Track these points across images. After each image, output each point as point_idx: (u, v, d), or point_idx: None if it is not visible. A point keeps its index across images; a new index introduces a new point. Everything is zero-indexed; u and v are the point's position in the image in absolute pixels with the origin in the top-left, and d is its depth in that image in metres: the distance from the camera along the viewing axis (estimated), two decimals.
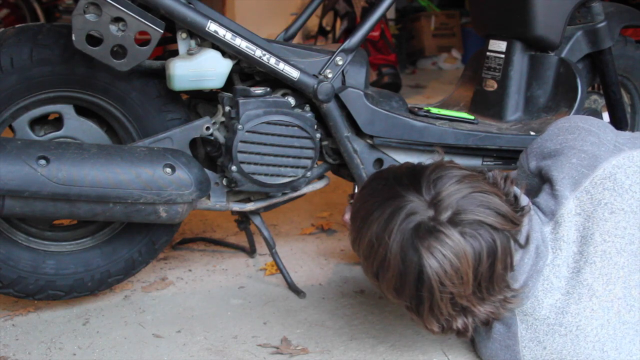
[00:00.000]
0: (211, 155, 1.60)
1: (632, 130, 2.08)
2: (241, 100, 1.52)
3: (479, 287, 1.14)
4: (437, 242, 1.10)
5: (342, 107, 1.59)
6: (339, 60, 1.59)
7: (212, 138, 1.56)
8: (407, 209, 1.13)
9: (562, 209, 1.23)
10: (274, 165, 1.56)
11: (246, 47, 1.48)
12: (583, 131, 1.26)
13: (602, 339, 1.20)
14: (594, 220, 1.21)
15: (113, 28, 1.34)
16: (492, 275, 1.14)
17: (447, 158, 1.67)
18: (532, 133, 1.71)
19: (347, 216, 1.35)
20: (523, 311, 1.24)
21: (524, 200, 1.23)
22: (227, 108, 1.55)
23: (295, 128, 1.56)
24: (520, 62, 1.84)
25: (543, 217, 1.25)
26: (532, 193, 1.32)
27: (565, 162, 1.24)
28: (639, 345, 1.22)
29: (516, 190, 1.23)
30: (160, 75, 1.51)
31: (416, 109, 1.72)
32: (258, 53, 1.49)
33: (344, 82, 1.60)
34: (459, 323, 1.17)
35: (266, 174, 1.56)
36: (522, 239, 1.18)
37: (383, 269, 1.16)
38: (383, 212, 1.15)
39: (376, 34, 4.27)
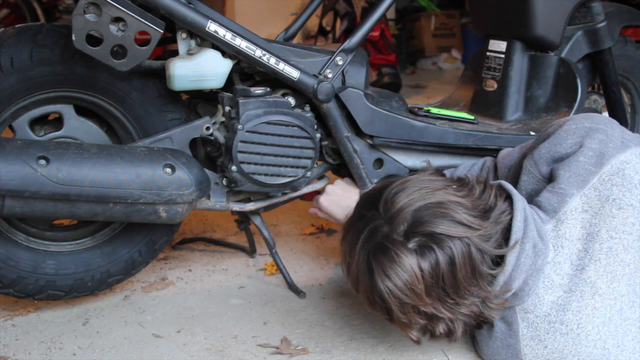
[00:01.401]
0: (211, 155, 1.60)
1: (632, 130, 2.08)
2: (241, 100, 1.52)
3: (445, 294, 1.17)
4: (387, 260, 1.15)
5: (342, 107, 1.59)
6: (339, 60, 1.59)
7: (212, 138, 1.56)
8: (368, 229, 1.20)
9: (565, 207, 1.23)
10: (274, 165, 1.56)
11: (246, 47, 1.48)
12: (591, 130, 1.26)
13: (604, 337, 1.20)
14: (601, 217, 1.21)
15: (113, 28, 1.34)
16: (455, 281, 1.16)
17: (447, 158, 1.69)
18: (532, 133, 1.71)
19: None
20: (524, 309, 1.25)
21: (519, 201, 1.23)
22: (227, 108, 1.55)
23: (295, 128, 1.56)
24: (520, 62, 1.84)
25: (543, 215, 1.25)
26: (536, 195, 1.32)
27: (572, 161, 1.24)
28: None
29: (509, 187, 1.25)
30: (160, 75, 1.51)
31: (416, 109, 1.72)
32: (258, 53, 1.49)
33: (344, 82, 1.60)
34: (441, 328, 1.20)
35: (266, 174, 1.56)
36: (512, 240, 1.19)
37: (358, 285, 1.23)
38: (353, 232, 1.23)
39: (376, 34, 4.27)
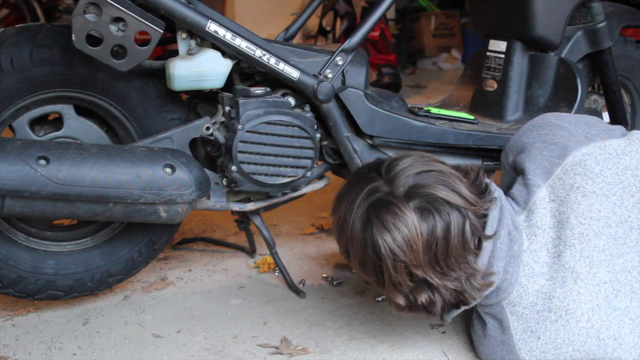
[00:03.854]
0: (211, 155, 1.60)
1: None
2: (241, 100, 1.52)
3: (435, 260, 1.19)
4: (389, 215, 1.19)
5: (342, 107, 1.59)
6: (339, 60, 1.59)
7: (212, 138, 1.56)
8: (368, 188, 1.23)
9: (534, 197, 1.28)
10: (274, 165, 1.56)
11: (246, 47, 1.48)
12: (554, 127, 1.33)
13: (596, 326, 1.21)
14: (568, 204, 1.25)
15: (113, 28, 1.34)
16: (447, 249, 1.19)
17: (447, 158, 1.69)
18: None
19: None
20: (511, 302, 1.26)
21: (495, 191, 1.28)
22: (227, 108, 1.55)
23: (295, 128, 1.56)
24: (520, 62, 1.84)
25: (516, 207, 1.31)
26: (511, 188, 1.37)
27: (537, 154, 1.30)
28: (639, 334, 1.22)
29: (488, 181, 1.30)
30: (160, 75, 1.51)
31: (416, 109, 1.72)
32: (258, 53, 1.49)
33: (344, 82, 1.60)
34: (423, 298, 1.22)
35: (266, 174, 1.56)
36: (489, 229, 1.23)
37: (350, 245, 1.25)
38: (350, 194, 1.26)
39: (376, 34, 4.27)
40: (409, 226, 1.18)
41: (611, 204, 1.25)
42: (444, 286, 1.21)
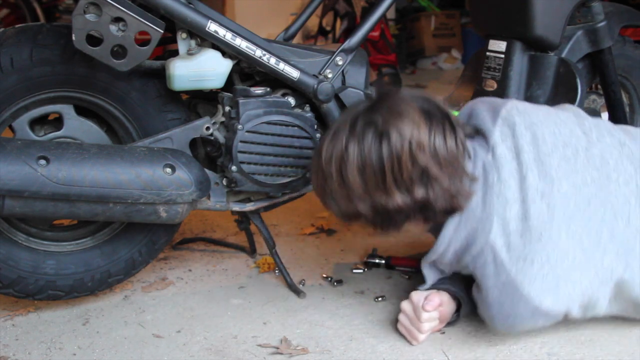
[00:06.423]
0: (211, 155, 1.60)
1: None
2: (241, 100, 1.52)
3: (436, 155, 1.28)
4: (399, 115, 1.28)
5: (342, 107, 1.59)
6: (339, 60, 1.59)
7: (212, 138, 1.56)
8: (366, 107, 1.33)
9: (492, 138, 1.38)
10: (274, 165, 1.57)
11: (246, 47, 1.48)
12: (484, 100, 1.50)
13: (579, 235, 1.31)
14: (517, 137, 1.37)
15: (113, 28, 1.34)
16: (446, 146, 1.29)
17: None
18: None
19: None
20: (495, 236, 1.31)
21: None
22: (227, 108, 1.55)
23: (295, 128, 1.56)
24: (520, 62, 1.84)
25: (483, 148, 1.40)
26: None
27: (481, 111, 1.44)
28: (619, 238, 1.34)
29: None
30: (160, 75, 1.51)
31: None
32: (258, 53, 1.49)
33: (344, 82, 1.60)
34: (420, 192, 1.28)
35: (266, 174, 1.56)
36: (470, 152, 1.36)
37: (345, 170, 1.29)
38: (340, 121, 1.34)
39: (376, 34, 4.27)
40: (415, 120, 1.27)
41: (551, 131, 1.38)
42: (442, 182, 1.28)
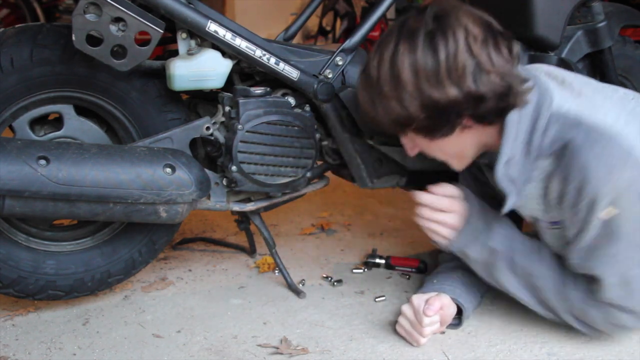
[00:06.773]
0: (211, 155, 1.60)
1: None
2: (241, 100, 1.52)
3: (489, 52, 1.26)
4: (454, 20, 1.27)
5: (342, 107, 1.59)
6: (339, 60, 1.59)
7: (212, 138, 1.56)
8: (414, 18, 1.29)
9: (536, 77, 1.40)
10: (274, 165, 1.57)
11: (246, 47, 1.48)
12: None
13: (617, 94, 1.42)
14: (557, 78, 1.41)
15: (113, 28, 1.34)
16: (498, 45, 1.28)
17: None
18: None
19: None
20: (557, 101, 1.34)
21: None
22: (227, 108, 1.55)
23: (295, 128, 1.56)
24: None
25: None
26: None
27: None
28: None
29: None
30: (160, 75, 1.51)
31: None
32: (258, 53, 1.49)
33: (344, 82, 1.60)
34: (472, 85, 1.24)
35: (266, 174, 1.56)
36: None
37: (396, 65, 1.25)
38: (389, 32, 1.30)
39: (376, 34, 4.27)
40: (470, 17, 1.29)
41: (596, 87, 1.42)
42: (493, 77, 1.25)
